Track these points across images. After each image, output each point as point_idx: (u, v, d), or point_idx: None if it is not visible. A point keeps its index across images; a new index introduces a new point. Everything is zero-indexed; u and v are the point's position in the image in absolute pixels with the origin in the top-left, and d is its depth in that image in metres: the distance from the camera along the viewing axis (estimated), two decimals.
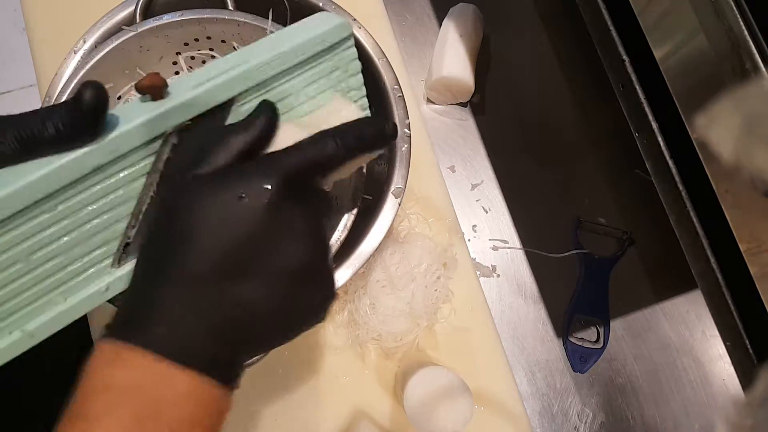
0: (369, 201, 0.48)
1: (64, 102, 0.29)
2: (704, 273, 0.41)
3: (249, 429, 0.54)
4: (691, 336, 0.66)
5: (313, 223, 0.30)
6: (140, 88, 0.31)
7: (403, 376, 0.54)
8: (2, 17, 1.30)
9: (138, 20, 0.48)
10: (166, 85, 0.32)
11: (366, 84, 0.39)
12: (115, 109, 0.32)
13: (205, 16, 0.47)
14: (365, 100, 0.39)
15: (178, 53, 0.50)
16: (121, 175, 0.32)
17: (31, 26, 0.60)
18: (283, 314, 0.29)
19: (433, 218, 0.60)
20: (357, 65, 0.37)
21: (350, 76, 0.37)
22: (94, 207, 0.32)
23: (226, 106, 0.33)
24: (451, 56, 0.66)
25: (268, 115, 0.32)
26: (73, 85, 0.45)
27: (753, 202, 0.33)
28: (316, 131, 0.31)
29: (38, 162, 0.29)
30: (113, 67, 0.48)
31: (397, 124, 0.50)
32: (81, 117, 0.28)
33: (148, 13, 0.49)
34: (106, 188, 0.31)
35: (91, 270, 0.33)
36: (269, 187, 0.28)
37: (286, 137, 0.32)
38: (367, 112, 0.39)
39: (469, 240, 0.67)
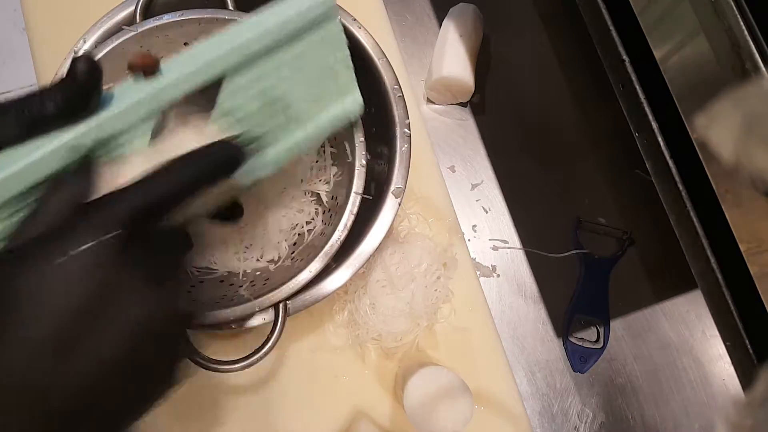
0: (369, 201, 0.48)
1: (60, 79, 0.29)
2: (704, 273, 0.41)
3: (249, 429, 0.54)
4: (691, 336, 0.66)
5: (154, 272, 0.27)
6: (133, 67, 0.32)
7: (403, 376, 0.54)
8: (2, 17, 1.30)
9: (138, 20, 0.48)
10: (158, 63, 0.32)
11: (366, 84, 0.40)
12: (110, 89, 0.32)
13: (205, 16, 0.47)
14: (353, 73, 0.40)
15: (178, 53, 0.50)
16: (123, 150, 0.32)
17: (31, 26, 0.60)
18: (121, 391, 0.26)
19: (433, 218, 0.60)
20: (343, 38, 0.38)
21: (337, 50, 0.38)
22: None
23: (217, 83, 0.34)
24: (451, 56, 0.66)
25: (85, 169, 0.29)
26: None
27: (753, 202, 0.33)
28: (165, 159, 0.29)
29: (40, 141, 0.30)
30: (113, 67, 0.47)
31: (397, 123, 0.50)
32: (77, 90, 0.29)
33: (148, 13, 0.49)
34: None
35: None
36: (98, 244, 0.25)
37: (133, 170, 0.30)
38: (352, 78, 0.39)
39: (469, 240, 0.67)
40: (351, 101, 0.42)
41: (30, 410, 0.23)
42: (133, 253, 0.26)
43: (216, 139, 0.32)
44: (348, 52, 0.39)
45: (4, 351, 0.23)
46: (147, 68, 0.32)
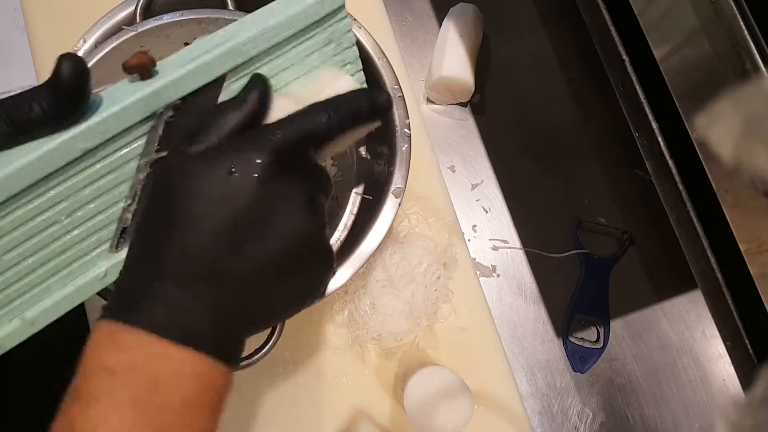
0: (369, 201, 0.48)
1: (47, 81, 0.28)
2: (704, 273, 0.41)
3: (249, 429, 0.54)
4: (691, 336, 0.66)
5: (306, 197, 0.30)
6: (128, 67, 0.30)
7: (403, 376, 0.54)
8: (2, 17, 1.30)
9: (138, 20, 0.48)
10: (154, 63, 0.31)
11: (366, 79, 0.39)
12: (103, 91, 0.31)
13: (205, 16, 0.47)
14: (361, 73, 0.39)
15: None
16: (114, 157, 0.31)
17: (31, 26, 0.60)
18: (279, 289, 0.29)
19: (433, 218, 0.60)
20: (351, 37, 0.36)
21: (345, 49, 0.37)
22: (88, 191, 0.31)
23: (217, 83, 0.32)
24: (451, 56, 0.66)
25: (260, 90, 0.31)
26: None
27: (753, 202, 0.33)
28: (310, 104, 0.31)
29: (29, 146, 0.29)
30: (113, 67, 0.47)
31: (397, 123, 0.50)
32: (63, 93, 0.28)
33: (148, 13, 0.49)
34: (99, 171, 0.31)
35: (90, 255, 0.32)
36: (260, 161, 0.28)
37: (279, 111, 0.32)
38: (364, 85, 0.39)
39: (469, 240, 0.67)
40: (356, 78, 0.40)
41: (201, 287, 0.27)
42: (293, 176, 0.29)
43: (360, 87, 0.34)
44: (357, 52, 0.38)
45: (191, 237, 0.27)
46: (143, 68, 0.30)
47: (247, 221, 0.27)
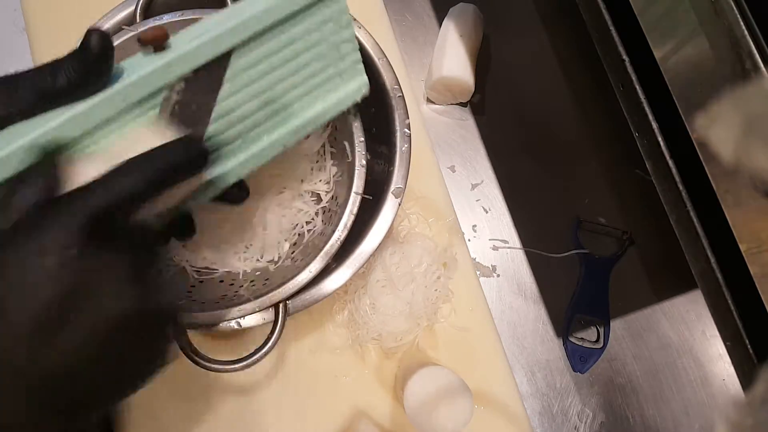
0: (369, 201, 0.48)
1: (72, 52, 0.29)
2: (704, 273, 0.41)
3: (249, 429, 0.54)
4: (691, 336, 0.66)
5: (124, 271, 0.27)
6: (144, 40, 0.32)
7: (403, 376, 0.54)
8: (2, 17, 1.30)
9: (138, 20, 0.48)
10: (167, 37, 0.33)
11: (366, 78, 0.40)
12: (120, 63, 0.33)
13: (205, 15, 0.47)
14: (358, 54, 0.40)
15: None
16: (129, 126, 0.32)
17: (31, 26, 0.60)
18: (107, 374, 0.27)
19: (433, 218, 0.60)
20: (348, 18, 0.38)
21: (342, 29, 0.39)
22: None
23: (225, 58, 0.34)
24: (451, 56, 0.66)
25: (46, 165, 0.29)
26: None
27: (753, 202, 0.33)
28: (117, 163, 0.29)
29: (51, 114, 0.30)
30: None
31: (397, 123, 0.49)
32: (90, 63, 0.29)
33: (148, 13, 0.49)
34: (114, 140, 0.32)
35: None
36: (69, 237, 0.25)
37: (90, 172, 0.30)
38: (357, 59, 0.40)
39: (469, 240, 0.67)
40: (357, 84, 0.41)
41: (14, 387, 0.25)
42: (106, 249, 0.27)
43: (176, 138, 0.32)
44: (354, 32, 0.39)
45: None
46: (157, 41, 0.32)
47: (60, 305, 0.25)
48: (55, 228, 0.26)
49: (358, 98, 0.42)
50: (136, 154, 0.29)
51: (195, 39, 0.33)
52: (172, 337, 0.31)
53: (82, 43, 0.29)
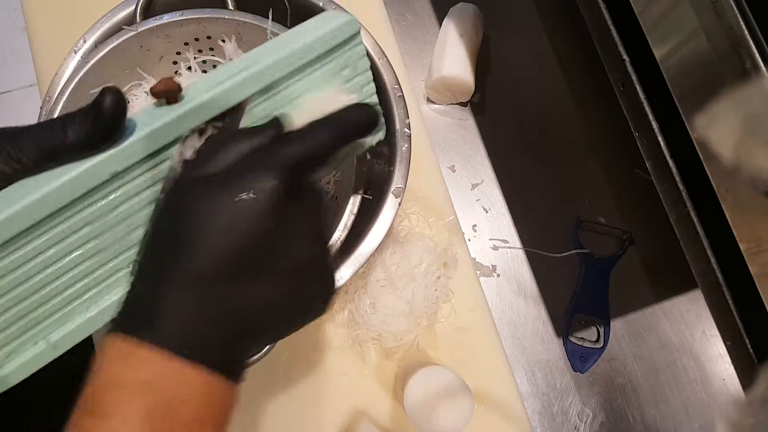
0: (369, 201, 0.48)
1: (83, 109, 0.29)
2: (704, 273, 0.41)
3: (249, 429, 0.54)
4: (691, 336, 0.66)
5: (313, 219, 0.31)
6: (156, 93, 0.31)
7: (403, 375, 0.54)
8: (2, 17, 1.30)
9: (138, 20, 0.49)
10: (180, 89, 0.32)
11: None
12: (132, 115, 0.32)
13: (205, 15, 0.47)
14: (375, 97, 0.39)
15: (178, 53, 0.50)
16: (140, 180, 0.32)
17: (31, 26, 0.60)
18: (287, 309, 0.30)
19: (433, 218, 0.60)
20: (366, 62, 0.37)
21: (359, 74, 0.38)
22: (114, 214, 0.32)
23: (239, 108, 0.33)
24: (451, 56, 0.66)
25: (275, 127, 0.32)
26: (73, 84, 0.46)
27: (753, 202, 0.33)
28: (313, 121, 0.32)
29: (57, 171, 0.29)
30: (113, 66, 0.48)
31: (397, 123, 0.50)
32: (102, 124, 0.29)
33: (148, 12, 0.49)
34: (125, 194, 0.32)
35: (114, 277, 0.33)
36: (269, 183, 0.28)
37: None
38: (376, 103, 0.39)
39: (469, 240, 0.67)
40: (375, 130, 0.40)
41: (219, 311, 0.27)
42: (302, 195, 0.30)
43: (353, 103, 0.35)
44: (371, 76, 0.38)
45: (200, 261, 0.27)
46: (170, 94, 0.31)
47: (255, 246, 0.28)
48: (261, 171, 0.28)
49: (374, 143, 0.40)
50: (327, 112, 0.32)
51: (208, 91, 0.32)
52: (335, 285, 0.34)
53: (95, 102, 0.29)
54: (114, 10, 0.50)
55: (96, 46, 0.48)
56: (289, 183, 0.28)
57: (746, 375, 0.40)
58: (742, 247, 0.36)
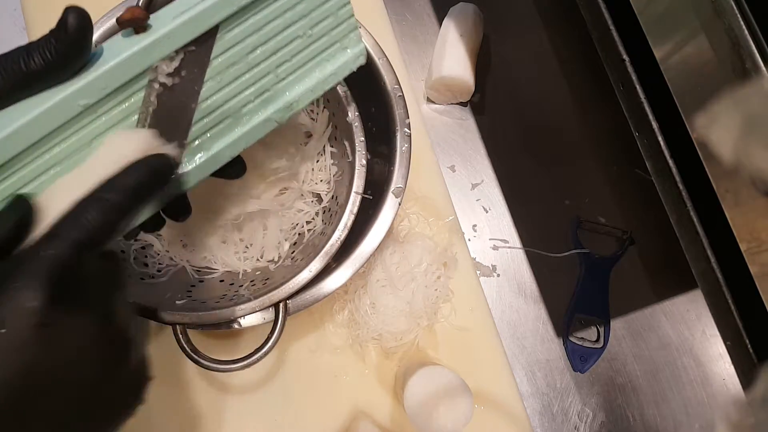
0: (369, 201, 0.48)
1: (49, 33, 0.27)
2: (704, 273, 0.41)
3: (249, 429, 0.54)
4: (691, 336, 0.66)
5: (99, 322, 0.26)
6: (122, 22, 0.30)
7: (403, 375, 0.54)
8: (2, 17, 1.30)
9: None
10: (147, 17, 0.31)
11: (366, 84, 0.39)
12: (99, 47, 0.31)
13: None
14: (354, 21, 0.38)
15: None
16: (114, 112, 0.31)
17: (31, 26, 0.60)
18: (85, 427, 0.26)
19: (433, 218, 0.60)
20: (349, 9, 0.37)
21: (343, 22, 0.37)
22: (85, 152, 0.30)
23: (211, 34, 0.32)
24: (451, 56, 0.66)
25: (14, 213, 0.27)
26: None
27: (753, 202, 0.33)
28: (95, 179, 0.27)
29: (26, 103, 0.28)
30: None
31: (397, 123, 0.49)
32: (68, 42, 0.27)
33: (149, 11, 0.49)
34: (100, 127, 0.30)
35: None
36: (24, 306, 0.22)
37: (64, 196, 0.28)
38: (363, 58, 0.38)
39: (469, 240, 0.67)
40: (354, 52, 0.39)
41: None
42: (81, 295, 0.25)
43: (141, 155, 0.29)
44: (356, 24, 0.37)
45: None
46: (136, 22, 0.30)
47: (19, 389, 0.22)
48: (11, 291, 0.22)
49: (355, 67, 0.39)
50: (116, 162, 0.28)
51: (178, 16, 0.31)
52: (144, 390, 0.29)
53: (59, 21, 0.27)
54: (114, 10, 0.50)
55: (96, 46, 0.47)
56: (60, 287, 0.23)
57: (746, 375, 0.40)
58: (742, 247, 0.36)
